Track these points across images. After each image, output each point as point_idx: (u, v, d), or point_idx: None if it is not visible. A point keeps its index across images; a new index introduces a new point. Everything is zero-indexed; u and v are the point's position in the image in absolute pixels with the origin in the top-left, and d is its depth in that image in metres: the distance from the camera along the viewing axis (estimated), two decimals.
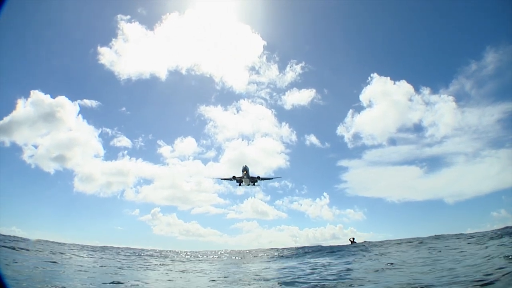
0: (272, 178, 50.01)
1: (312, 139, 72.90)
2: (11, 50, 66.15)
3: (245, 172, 47.75)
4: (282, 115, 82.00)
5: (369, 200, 70.64)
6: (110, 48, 72.25)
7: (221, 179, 50.75)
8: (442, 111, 67.43)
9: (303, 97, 74.41)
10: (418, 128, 70.40)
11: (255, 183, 49.18)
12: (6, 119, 60.15)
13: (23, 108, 62.02)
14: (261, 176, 48.28)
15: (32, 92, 63.01)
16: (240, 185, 49.72)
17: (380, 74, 70.12)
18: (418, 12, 77.36)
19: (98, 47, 70.10)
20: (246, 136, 78.93)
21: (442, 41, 77.02)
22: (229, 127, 76.10)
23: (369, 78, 74.66)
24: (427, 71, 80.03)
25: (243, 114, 76.54)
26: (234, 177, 48.71)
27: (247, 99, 80.00)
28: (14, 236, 34.87)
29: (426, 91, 69.67)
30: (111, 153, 76.97)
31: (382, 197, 68.58)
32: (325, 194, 70.20)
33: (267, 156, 72.11)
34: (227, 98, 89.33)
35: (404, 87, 69.29)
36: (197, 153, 72.99)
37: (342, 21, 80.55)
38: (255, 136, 75.18)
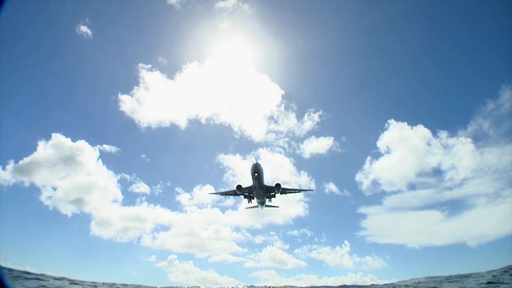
0: (298, 190, 44.49)
1: (331, 187, 72.34)
2: (35, 92, 67.24)
3: (256, 174, 40.36)
4: (301, 163, 79.90)
5: (389, 246, 68.85)
6: (131, 96, 74.04)
7: (222, 193, 47.00)
8: (460, 154, 67.82)
9: (321, 145, 74.64)
10: (437, 172, 70.40)
11: (272, 197, 44.41)
12: (26, 159, 62.07)
13: (43, 150, 63.58)
14: (282, 186, 42.68)
15: (53, 134, 64.81)
16: (249, 201, 45.98)
17: (397, 119, 71.81)
18: (431, 55, 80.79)
19: (120, 94, 70.95)
20: None
21: (457, 82, 79.40)
22: (247, 175, 75.76)
23: (386, 124, 74.27)
24: (444, 113, 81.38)
25: (261, 163, 76.87)
26: (239, 187, 43.45)
27: (265, 148, 78.56)
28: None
29: (443, 134, 70.26)
30: (130, 198, 77.10)
31: (403, 243, 66.55)
32: (346, 242, 68.08)
33: (286, 204, 69.82)
34: (246, 146, 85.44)
35: (422, 131, 69.96)
36: (216, 201, 73.56)
37: (358, 70, 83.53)
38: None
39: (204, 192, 72.36)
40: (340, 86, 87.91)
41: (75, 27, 62.15)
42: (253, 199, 47.96)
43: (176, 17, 74.93)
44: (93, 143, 68.29)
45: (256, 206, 52.81)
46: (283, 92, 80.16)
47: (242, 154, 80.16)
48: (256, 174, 40.79)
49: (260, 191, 44.46)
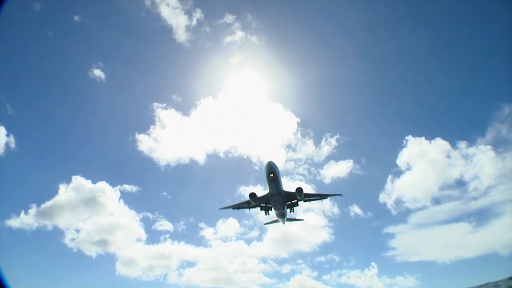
0: (324, 196, 40.29)
1: (355, 209, 71.21)
2: (53, 136, 70.20)
3: (272, 175, 36.15)
4: (323, 188, 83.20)
5: (419, 264, 69.04)
6: (149, 135, 76.55)
7: (234, 207, 43.11)
8: (482, 162, 67.06)
9: (341, 168, 73.31)
10: (460, 184, 70.28)
11: (294, 205, 40.88)
12: (48, 203, 64.05)
13: (65, 193, 65.47)
14: (304, 191, 38.35)
15: (73, 177, 67.22)
16: (266, 213, 42.42)
17: (414, 135, 71.64)
18: (441, 67, 78.83)
19: (137, 134, 73.74)
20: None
21: (470, 90, 77.24)
22: None
23: (404, 141, 73.88)
24: (460, 124, 79.62)
25: None
26: (253, 196, 38.96)
27: (286, 176, 79.43)
28: None
29: (462, 144, 70.15)
30: (153, 236, 78.24)
31: (433, 259, 67.29)
32: (373, 264, 67.34)
33: (311, 232, 69.95)
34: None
35: (440, 144, 68.48)
36: (240, 234, 72.90)
37: (371, 91, 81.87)
38: (297, 212, 74.72)
39: (228, 226, 73.22)
40: (355, 109, 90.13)
41: (89, 70, 65.58)
42: (271, 210, 43.92)
43: (186, 54, 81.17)
44: (113, 184, 70.59)
45: (277, 221, 49.02)
46: (298, 119, 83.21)
47: (263, 184, 79.12)
48: (271, 175, 36.50)
49: (279, 198, 40.03)
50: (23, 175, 63.85)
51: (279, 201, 40.31)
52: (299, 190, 39.40)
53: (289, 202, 41.81)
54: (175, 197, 76.34)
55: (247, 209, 44.55)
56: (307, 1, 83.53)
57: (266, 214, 44.82)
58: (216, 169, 78.72)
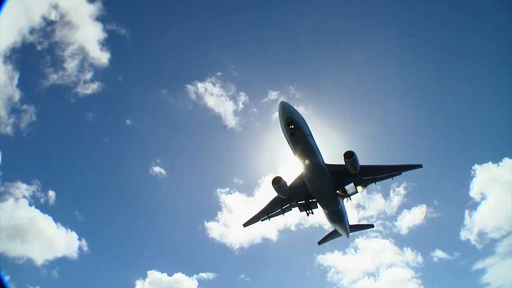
0: (395, 169, 27.77)
1: (438, 254, 68.11)
2: (125, 234, 71.87)
3: (292, 126, 23.35)
4: (401, 240, 79.55)
5: None
6: (217, 221, 75.91)
7: (259, 215, 31.65)
8: None
9: (415, 216, 72.61)
10: None
11: (352, 194, 28.29)
12: None
13: None
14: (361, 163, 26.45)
15: (149, 272, 64.89)
16: (309, 212, 29.65)
17: (480, 162, 70.51)
18: (489, 83, 74.12)
19: (206, 222, 73.02)
20: (371, 273, 74.71)
21: None
22: (351, 269, 72.37)
23: (471, 171, 72.16)
24: None
25: (362, 253, 73.29)
26: (277, 181, 27.23)
27: (361, 237, 74.47)
28: None
29: None
30: None
31: None
32: None
33: (398, 287, 67.38)
34: (342, 241, 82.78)
35: (509, 164, 65.22)
36: None
37: (426, 135, 79.77)
38: (380, 270, 71.61)
39: None
40: (415, 154, 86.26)
41: (149, 169, 66.06)
42: (315, 207, 30.80)
43: (240, 137, 79.48)
44: (189, 274, 67.66)
45: (336, 234, 36.73)
46: None
47: (340, 249, 74.88)
48: (291, 126, 23.68)
49: (320, 177, 26.91)
50: (99, 276, 65.50)
51: (322, 183, 27.49)
52: (350, 155, 26.25)
53: (341, 189, 28.67)
54: (254, 278, 72.47)
55: (281, 215, 32.09)
56: (345, 60, 79.04)
57: (308, 215, 30.77)
58: (290, 243, 75.27)
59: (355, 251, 71.72)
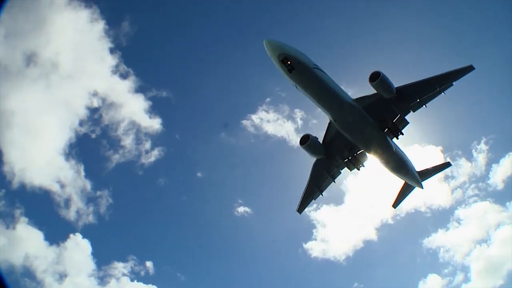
0: (443, 79, 22.90)
1: None
2: (229, 281, 67.20)
3: (290, 62, 19.82)
4: (500, 196, 68.36)
5: None
6: (315, 240, 69.65)
7: (311, 189, 28.08)
8: None
9: (506, 167, 60.52)
10: None
11: (399, 124, 23.85)
12: None
13: None
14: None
15: None
16: (358, 166, 25.94)
17: None
18: None
19: (304, 245, 66.89)
20: (481, 240, 63.31)
21: None
22: (460, 243, 62.05)
23: None
24: None
25: (465, 223, 62.72)
26: (304, 139, 24.22)
27: (460, 207, 65.50)
28: None
29: None
30: None
31: None
32: None
33: None
34: (442, 218, 77.02)
35: None
36: None
37: None
38: (489, 233, 62.49)
39: None
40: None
41: (234, 212, 63.60)
42: (363, 155, 26.54)
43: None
44: None
45: (408, 188, 31.55)
46: (440, 147, 67.06)
47: (443, 226, 66.94)
48: (289, 62, 19.77)
49: (355, 118, 22.74)
50: None
51: (358, 124, 23.28)
52: (376, 76, 21.58)
53: (384, 123, 24.02)
54: (368, 284, 66.37)
55: (332, 182, 27.87)
56: None
57: (359, 169, 26.68)
58: (392, 238, 68.74)
59: (458, 223, 64.66)
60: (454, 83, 23.15)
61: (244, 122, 66.35)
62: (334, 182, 27.60)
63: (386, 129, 24.04)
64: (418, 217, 67.19)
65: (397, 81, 22.92)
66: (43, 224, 49.49)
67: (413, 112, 23.94)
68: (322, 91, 21.37)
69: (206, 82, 67.53)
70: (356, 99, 22.87)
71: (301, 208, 28.59)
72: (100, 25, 49.89)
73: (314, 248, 69.00)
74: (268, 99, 72.68)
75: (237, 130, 70.53)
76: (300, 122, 75.82)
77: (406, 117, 24.01)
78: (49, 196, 47.93)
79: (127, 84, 54.78)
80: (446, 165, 31.54)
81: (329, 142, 24.71)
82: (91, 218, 50.94)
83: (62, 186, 48.03)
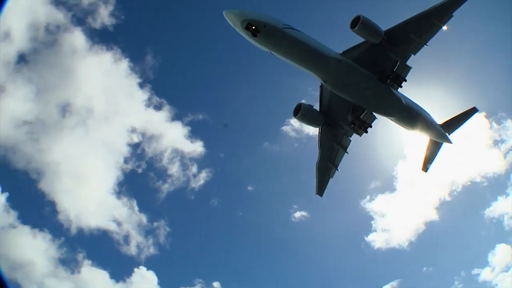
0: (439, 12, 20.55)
1: None
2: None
3: (254, 27, 19.31)
4: None
5: None
6: (375, 231, 74.18)
7: (325, 164, 26.10)
8: None
9: None
10: None
11: (399, 72, 22.05)
12: None
13: None
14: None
15: None
16: (362, 129, 23.77)
17: None
18: None
19: (365, 238, 70.73)
20: None
21: None
22: None
23: None
24: None
25: None
26: (297, 110, 23.09)
27: None
28: None
29: None
30: None
31: None
32: None
33: None
34: (500, 185, 74.66)
35: None
36: None
37: None
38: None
39: None
40: None
41: (291, 218, 63.58)
42: (372, 120, 24.26)
43: (352, 144, 79.71)
44: None
45: (434, 145, 28.15)
46: (484, 113, 63.45)
47: (501, 193, 63.15)
48: (253, 27, 18.90)
49: (348, 74, 21.16)
50: None
51: (352, 79, 21.62)
52: (357, 21, 19.77)
53: (383, 73, 21.78)
54: (437, 267, 63.96)
55: (345, 153, 25.78)
56: None
57: (367, 132, 24.36)
58: (452, 215, 66.62)
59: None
60: (454, 14, 20.28)
61: (284, 128, 65.45)
62: (347, 152, 25.55)
63: (388, 80, 21.68)
64: (474, 188, 63.32)
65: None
66: (107, 264, 50.22)
67: (414, 55, 21.60)
68: (297, 50, 20.32)
69: (238, 96, 68.10)
70: (344, 52, 21.16)
71: (320, 190, 26.72)
72: (125, 64, 51.76)
73: (376, 240, 66.08)
74: (303, 101, 71.65)
75: (278, 137, 70.08)
76: None
77: (407, 63, 21.59)
78: (108, 235, 49.64)
79: (163, 114, 56.57)
80: (472, 111, 27.67)
81: (326, 108, 23.22)
82: (152, 250, 52.39)
83: (119, 223, 49.66)
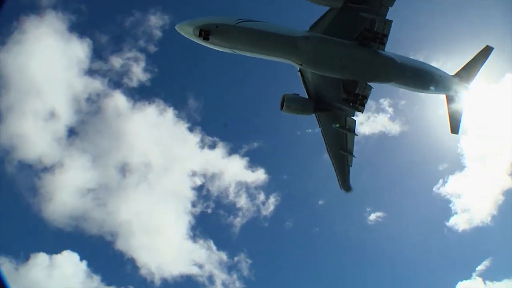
0: None
1: None
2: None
3: (205, 32, 18.81)
4: None
5: None
6: (456, 213, 74.39)
7: (340, 158, 24.26)
8: None
9: None
10: None
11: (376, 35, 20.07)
12: None
13: None
14: None
15: None
16: (359, 107, 21.70)
17: None
18: None
19: (446, 223, 70.69)
20: None
21: None
22: None
23: None
24: None
25: None
26: (282, 103, 21.95)
27: None
28: None
29: None
30: None
31: None
32: None
33: None
34: None
35: None
36: None
37: None
38: None
39: None
40: None
41: (367, 221, 62.86)
42: (368, 91, 21.91)
43: (405, 137, 72.61)
44: (467, 277, 61.43)
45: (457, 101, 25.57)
46: None
47: None
48: (205, 31, 18.34)
49: (326, 47, 19.72)
50: None
51: (328, 53, 19.90)
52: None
53: (362, 38, 19.94)
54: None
55: (355, 135, 23.89)
56: None
57: (364, 105, 22.11)
58: None
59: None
60: None
61: None
62: (356, 135, 23.04)
63: (372, 43, 19.31)
64: None
65: None
66: None
67: (391, 6, 18.92)
68: (257, 41, 19.32)
69: (285, 117, 67.35)
70: (311, 27, 19.48)
71: (344, 184, 24.10)
72: (170, 113, 52.08)
73: (459, 222, 63.39)
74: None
75: None
76: (390, 109, 70.27)
77: (386, 17, 19.07)
78: (192, 279, 50.05)
79: (219, 152, 57.18)
80: (487, 50, 23.82)
81: (314, 92, 21.36)
82: (238, 284, 52.62)
83: (200, 266, 49.81)
